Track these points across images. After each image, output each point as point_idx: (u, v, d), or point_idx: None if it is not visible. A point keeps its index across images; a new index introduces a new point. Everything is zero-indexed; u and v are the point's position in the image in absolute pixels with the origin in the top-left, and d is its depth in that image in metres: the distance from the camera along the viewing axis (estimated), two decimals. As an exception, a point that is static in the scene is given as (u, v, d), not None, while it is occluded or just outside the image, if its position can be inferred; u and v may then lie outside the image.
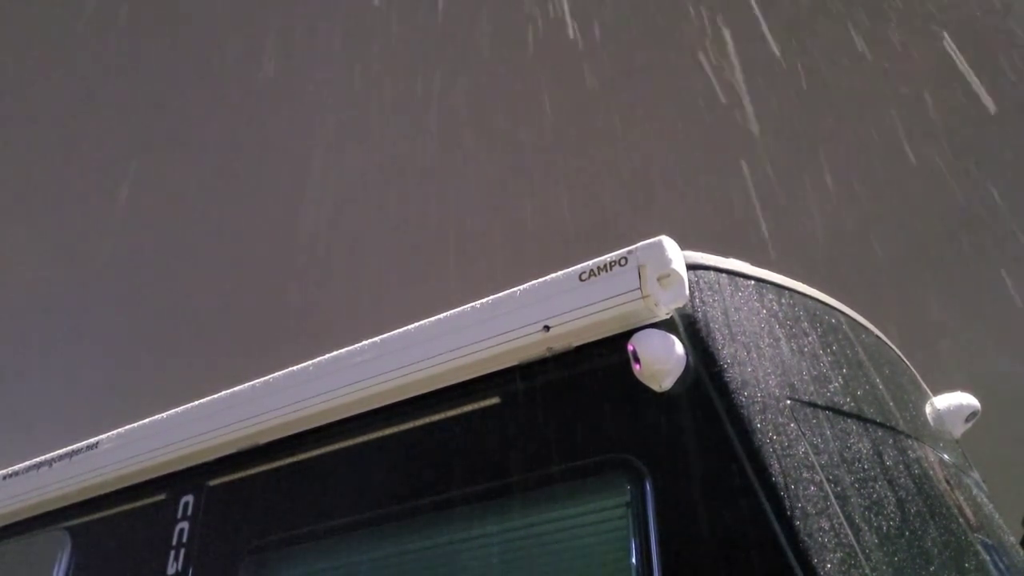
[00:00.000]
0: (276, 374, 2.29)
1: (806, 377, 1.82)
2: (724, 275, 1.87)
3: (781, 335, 1.86)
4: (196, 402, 2.43)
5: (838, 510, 1.58)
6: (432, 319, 2.04)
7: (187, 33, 7.65)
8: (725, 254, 1.94)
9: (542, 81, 7.18)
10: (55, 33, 7.46)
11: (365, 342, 2.15)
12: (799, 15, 6.57)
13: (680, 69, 6.82)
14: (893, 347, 2.40)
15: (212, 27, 7.48)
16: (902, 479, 1.85)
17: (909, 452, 1.98)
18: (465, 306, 2.00)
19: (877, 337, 2.31)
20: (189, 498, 2.36)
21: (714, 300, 1.80)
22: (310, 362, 2.23)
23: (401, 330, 2.09)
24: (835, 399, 1.85)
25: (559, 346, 1.85)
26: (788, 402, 1.72)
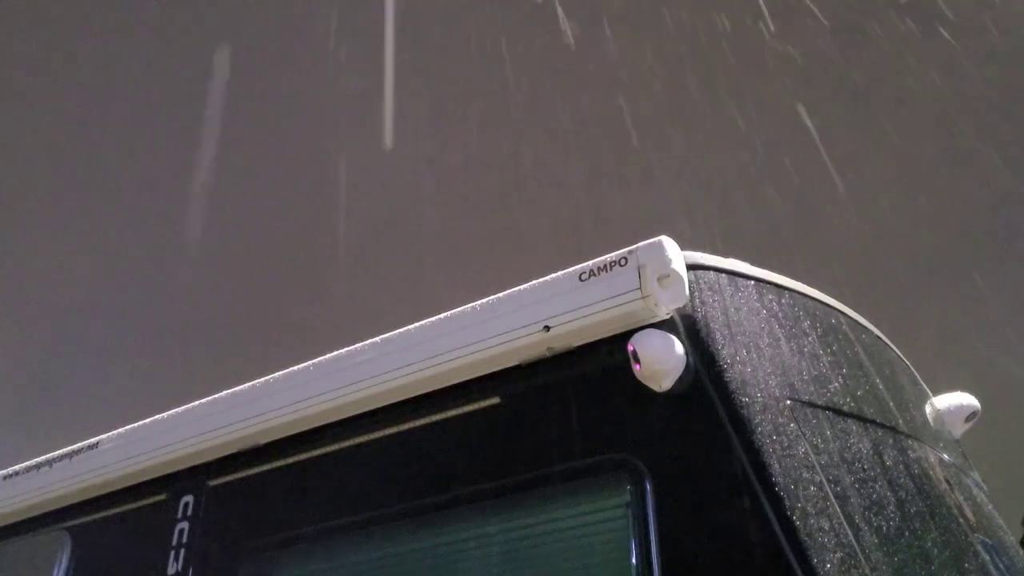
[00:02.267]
0: (276, 374, 2.29)
1: (806, 377, 1.82)
2: (724, 275, 1.87)
3: (781, 335, 1.86)
4: (196, 402, 2.43)
5: (838, 510, 1.58)
6: (432, 319, 2.04)
7: (188, 30, 7.65)
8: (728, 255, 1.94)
9: (543, 81, 7.18)
10: (70, 33, 7.46)
11: (365, 342, 2.15)
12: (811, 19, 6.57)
13: (686, 68, 6.82)
14: (893, 347, 2.40)
15: (217, 24, 7.48)
16: (902, 479, 1.85)
17: (909, 452, 1.98)
18: (465, 306, 2.00)
19: (877, 337, 2.31)
20: (189, 498, 2.36)
21: (714, 300, 1.80)
22: (310, 362, 2.23)
23: (401, 330, 2.09)
24: (835, 399, 1.85)
25: (559, 346, 1.85)
26: (788, 402, 1.72)
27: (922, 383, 2.49)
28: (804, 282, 2.08)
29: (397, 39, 7.17)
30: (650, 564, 1.60)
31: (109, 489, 2.55)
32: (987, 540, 2.07)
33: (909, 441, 2.03)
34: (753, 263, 1.98)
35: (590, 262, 1.84)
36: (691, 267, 1.81)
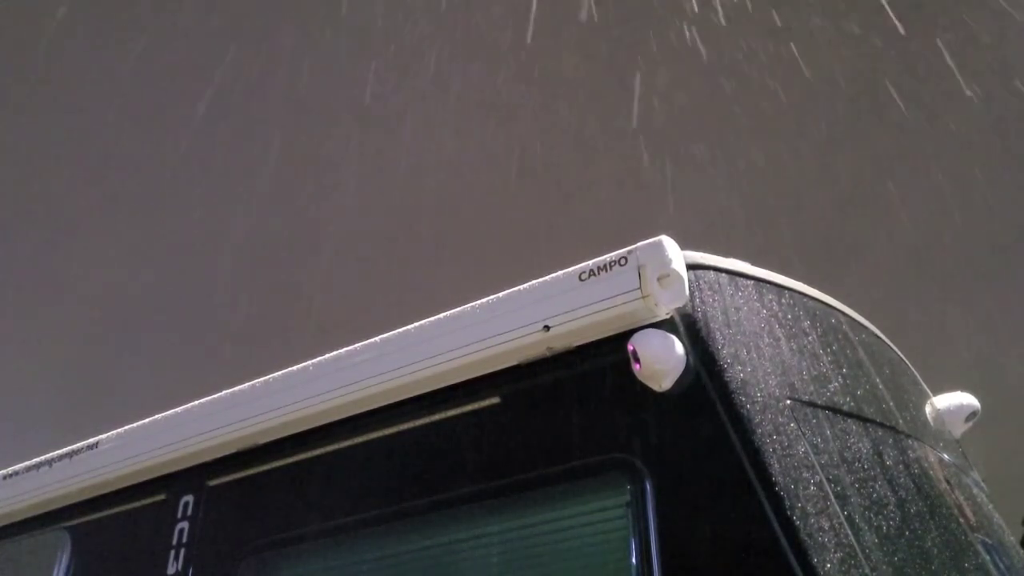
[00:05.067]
0: (276, 374, 2.29)
1: (806, 377, 1.82)
2: (724, 275, 1.87)
3: (781, 335, 1.86)
4: (196, 402, 2.43)
5: (838, 510, 1.58)
6: (432, 319, 2.04)
7: (186, 33, 7.65)
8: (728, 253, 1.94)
9: (542, 80, 7.17)
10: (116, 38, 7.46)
11: (365, 342, 2.14)
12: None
13: (691, 65, 6.81)
14: (893, 347, 2.40)
15: (219, 26, 7.49)
16: (902, 479, 1.85)
17: (909, 452, 1.98)
18: (465, 306, 2.00)
19: (877, 337, 2.31)
20: (189, 498, 2.36)
21: (714, 300, 1.80)
22: (310, 362, 2.23)
23: (401, 330, 2.09)
24: (835, 399, 1.85)
25: (559, 346, 1.84)
26: (788, 402, 1.72)
27: (922, 383, 2.48)
28: (807, 283, 2.08)
29: (398, 42, 7.17)
30: (650, 564, 1.60)
31: (109, 489, 2.55)
32: (987, 540, 2.07)
33: (909, 441, 2.03)
34: (753, 262, 1.98)
35: (590, 262, 1.84)
36: (691, 267, 1.80)
